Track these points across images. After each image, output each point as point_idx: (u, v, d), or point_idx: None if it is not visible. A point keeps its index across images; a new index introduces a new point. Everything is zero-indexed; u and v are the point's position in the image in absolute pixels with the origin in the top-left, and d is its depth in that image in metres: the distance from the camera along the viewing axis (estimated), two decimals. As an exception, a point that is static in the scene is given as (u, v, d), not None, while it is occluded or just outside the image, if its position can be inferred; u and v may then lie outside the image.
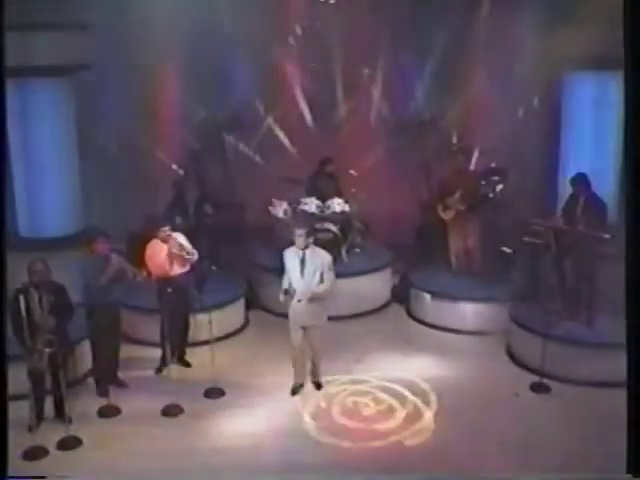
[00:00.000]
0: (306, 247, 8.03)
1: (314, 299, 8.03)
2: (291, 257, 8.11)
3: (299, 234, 8.02)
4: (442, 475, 6.80)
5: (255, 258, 10.89)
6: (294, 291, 8.03)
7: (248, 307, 10.38)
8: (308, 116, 12.49)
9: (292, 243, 8.19)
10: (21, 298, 7.16)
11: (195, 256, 8.63)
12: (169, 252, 8.42)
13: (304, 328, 8.19)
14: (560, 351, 8.36)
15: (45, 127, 10.00)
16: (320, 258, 8.07)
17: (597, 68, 9.75)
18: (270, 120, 12.43)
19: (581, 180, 8.62)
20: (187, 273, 8.70)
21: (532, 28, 10.41)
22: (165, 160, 11.98)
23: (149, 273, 8.46)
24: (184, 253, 8.47)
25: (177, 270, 8.52)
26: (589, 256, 8.49)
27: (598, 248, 8.33)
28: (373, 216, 11.19)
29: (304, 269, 8.00)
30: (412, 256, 11.25)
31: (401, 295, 10.78)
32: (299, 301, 8.05)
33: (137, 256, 8.53)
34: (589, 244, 8.41)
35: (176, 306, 8.54)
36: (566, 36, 9.68)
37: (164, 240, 8.49)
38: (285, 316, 9.39)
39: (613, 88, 9.81)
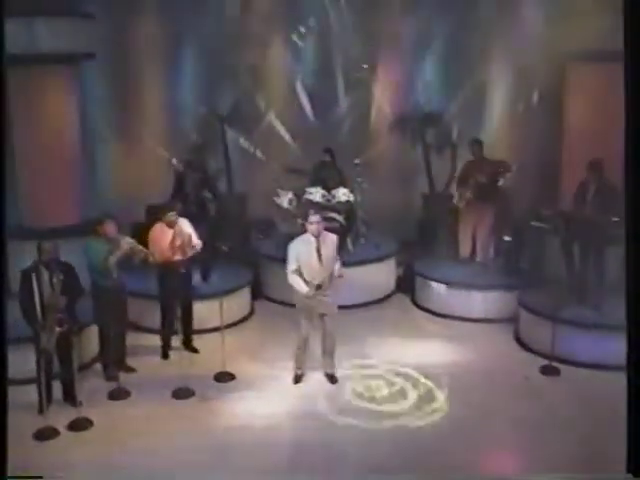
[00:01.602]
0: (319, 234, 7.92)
1: (329, 285, 7.92)
2: (304, 248, 7.90)
3: (315, 220, 7.86)
4: (443, 475, 6.72)
5: (259, 248, 10.90)
6: (311, 279, 7.86)
7: (253, 297, 10.33)
8: (309, 111, 12.48)
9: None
10: (33, 276, 7.13)
11: (198, 247, 8.57)
12: (174, 237, 8.37)
13: (313, 318, 8.06)
14: (570, 334, 8.39)
15: (49, 116, 10.02)
16: (331, 241, 7.99)
17: (599, 60, 9.83)
18: (271, 115, 12.40)
19: (594, 166, 8.66)
20: (189, 259, 8.61)
21: (533, 21, 10.49)
22: (165, 154, 11.91)
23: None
24: (188, 244, 8.40)
25: (179, 256, 8.43)
26: (598, 240, 8.54)
27: (607, 232, 8.36)
28: (376, 209, 11.20)
29: (321, 257, 7.86)
30: (415, 249, 11.26)
31: (406, 286, 10.78)
32: (317, 289, 7.88)
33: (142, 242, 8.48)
34: (598, 228, 8.46)
35: (177, 291, 8.48)
36: (568, 28, 9.81)
37: (170, 225, 8.46)
38: (290, 305, 9.41)
39: (615, 80, 9.96)
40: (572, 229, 8.72)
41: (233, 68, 11.87)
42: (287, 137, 12.47)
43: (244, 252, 10.80)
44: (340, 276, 8.04)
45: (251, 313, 10.18)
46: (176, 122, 11.88)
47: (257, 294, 10.49)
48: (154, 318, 9.07)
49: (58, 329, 7.20)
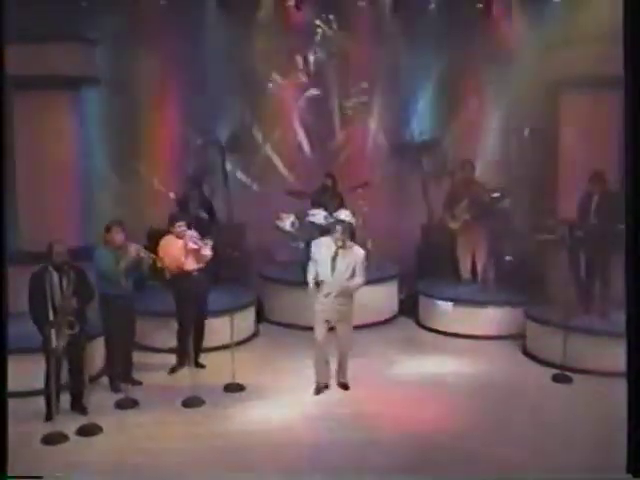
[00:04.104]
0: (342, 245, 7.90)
1: (342, 294, 7.88)
2: (322, 250, 7.92)
3: (338, 237, 7.83)
4: (443, 475, 6.59)
5: (261, 271, 10.91)
6: (322, 283, 7.90)
7: (256, 319, 10.25)
8: (306, 144, 12.59)
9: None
10: (45, 277, 7.08)
11: (209, 256, 8.49)
12: (185, 245, 8.33)
13: (329, 324, 8.01)
14: (580, 343, 8.39)
15: (52, 140, 10.02)
16: (353, 255, 7.90)
17: (593, 86, 10.11)
18: (268, 148, 12.49)
19: (597, 177, 8.81)
20: (202, 272, 8.53)
21: (528, 49, 10.75)
22: (163, 188, 11.92)
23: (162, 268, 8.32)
24: (200, 245, 8.36)
25: (192, 265, 8.38)
26: (603, 249, 8.61)
27: (612, 240, 8.42)
28: (375, 236, 11.21)
29: (335, 265, 7.84)
30: (415, 276, 11.27)
31: (409, 310, 10.77)
32: (326, 296, 7.88)
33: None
34: (603, 237, 8.55)
35: (194, 306, 8.48)
36: (562, 56, 10.11)
37: (179, 236, 8.43)
38: (292, 326, 9.40)
39: (609, 105, 10.24)
40: (577, 239, 8.81)
41: (231, 101, 12.00)
42: (284, 170, 12.52)
43: (245, 277, 10.79)
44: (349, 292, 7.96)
45: (256, 334, 10.07)
46: (174, 153, 11.92)
47: (259, 317, 10.39)
48: (158, 337, 9.07)
49: (69, 332, 7.07)
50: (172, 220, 8.61)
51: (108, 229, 7.94)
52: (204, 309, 8.73)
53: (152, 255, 8.03)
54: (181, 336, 8.62)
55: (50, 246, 7.24)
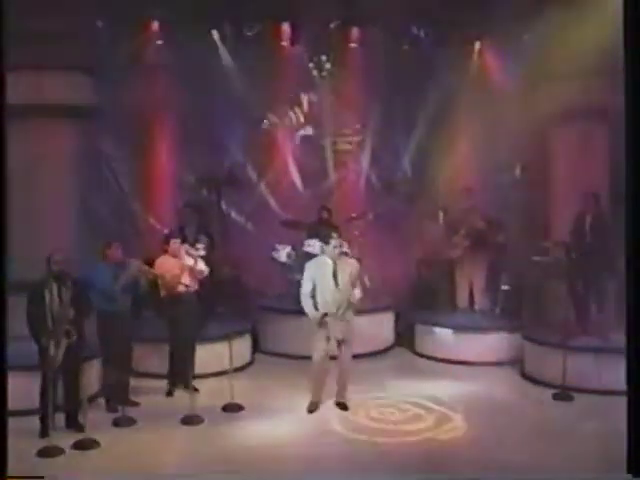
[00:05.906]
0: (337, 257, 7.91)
1: (347, 308, 7.82)
2: (320, 269, 7.86)
3: (334, 244, 7.87)
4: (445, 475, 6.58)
5: (256, 301, 10.94)
6: (325, 303, 7.77)
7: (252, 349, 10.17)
8: (299, 184, 12.70)
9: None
10: (44, 288, 7.06)
11: (206, 272, 8.56)
12: (182, 261, 8.39)
13: (329, 344, 7.87)
14: (580, 362, 8.38)
15: (48, 170, 10.05)
16: (350, 264, 7.96)
17: (582, 119, 10.34)
18: (262, 187, 12.57)
19: (590, 198, 8.95)
20: (195, 295, 8.55)
21: (517, 86, 10.99)
22: (158, 225, 11.95)
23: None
24: (194, 254, 8.42)
25: (188, 280, 8.40)
26: (598, 269, 8.69)
27: (608, 259, 8.50)
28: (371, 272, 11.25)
29: (338, 280, 7.77)
30: (411, 309, 11.27)
31: (405, 341, 10.71)
32: (331, 314, 7.72)
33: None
34: (598, 257, 8.63)
35: (187, 328, 8.42)
36: (551, 91, 10.37)
37: (174, 254, 8.45)
38: (286, 356, 9.39)
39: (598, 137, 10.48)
40: (573, 260, 8.87)
41: (226, 139, 12.13)
42: (278, 208, 12.57)
43: (240, 309, 10.75)
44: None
45: (251, 363, 9.97)
46: (168, 190, 11.99)
47: (254, 348, 10.28)
48: (152, 362, 8.94)
49: (67, 340, 7.00)
50: (167, 238, 8.68)
51: (109, 245, 7.95)
52: (194, 333, 8.62)
53: (151, 270, 8.03)
54: (175, 359, 8.58)
55: (49, 256, 7.24)
